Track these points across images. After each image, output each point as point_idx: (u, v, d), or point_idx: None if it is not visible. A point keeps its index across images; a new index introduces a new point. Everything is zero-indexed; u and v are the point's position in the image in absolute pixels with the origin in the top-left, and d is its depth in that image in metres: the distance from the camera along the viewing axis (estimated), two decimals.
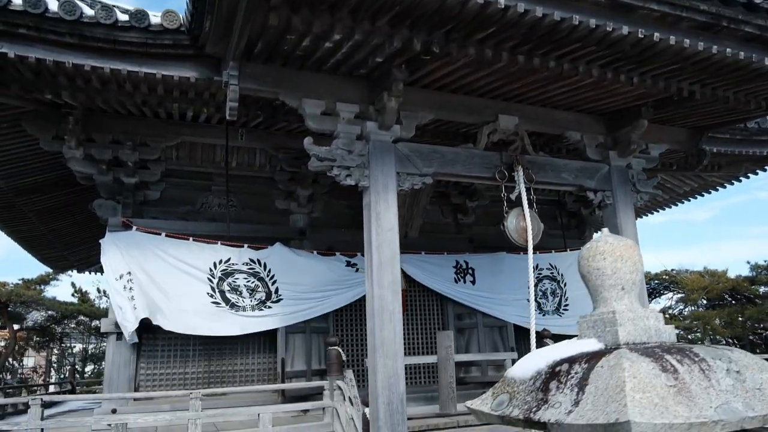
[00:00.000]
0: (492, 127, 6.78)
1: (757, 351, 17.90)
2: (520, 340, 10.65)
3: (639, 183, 7.40)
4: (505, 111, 6.84)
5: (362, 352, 9.89)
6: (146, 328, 8.35)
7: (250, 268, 8.97)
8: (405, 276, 9.54)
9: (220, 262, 8.80)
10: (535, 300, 11.14)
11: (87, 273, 17.61)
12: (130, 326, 8.08)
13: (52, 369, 30.18)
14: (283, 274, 9.11)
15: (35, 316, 23.50)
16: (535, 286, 11.31)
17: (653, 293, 25.95)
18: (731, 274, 19.81)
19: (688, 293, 21.44)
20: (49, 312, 23.01)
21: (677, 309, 23.93)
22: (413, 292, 10.37)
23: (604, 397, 1.46)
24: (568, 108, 7.21)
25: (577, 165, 7.18)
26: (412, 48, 5.16)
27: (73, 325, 26.45)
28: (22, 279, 21.23)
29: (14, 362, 26.38)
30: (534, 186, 6.84)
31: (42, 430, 6.17)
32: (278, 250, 9.24)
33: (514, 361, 8.77)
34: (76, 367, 24.39)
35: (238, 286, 8.85)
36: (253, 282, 8.94)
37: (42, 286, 21.88)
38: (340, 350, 7.58)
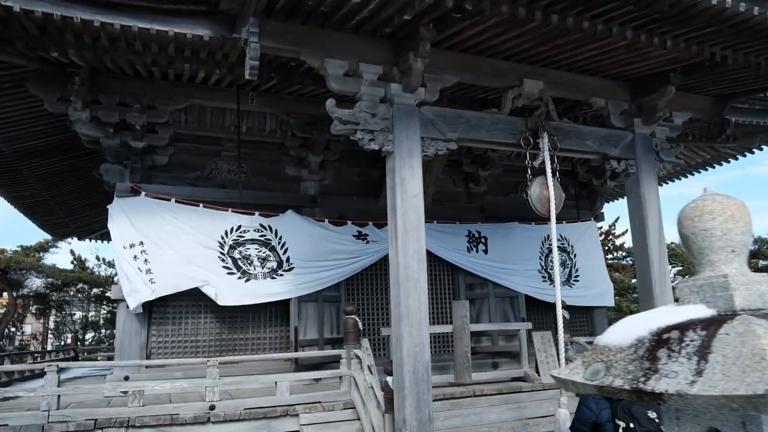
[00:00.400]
0: (516, 91, 6.56)
1: None
2: (531, 311, 10.65)
3: (662, 152, 7.24)
4: (530, 75, 6.61)
5: (375, 321, 9.88)
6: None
7: (261, 235, 8.84)
8: None
9: (231, 230, 8.66)
10: (546, 271, 11.20)
11: (87, 240, 17.39)
12: (141, 296, 7.96)
13: (51, 336, 30.29)
14: (294, 242, 8.98)
15: (34, 283, 23.43)
16: (546, 257, 11.27)
17: None
18: None
19: (688, 266, 21.54)
20: (49, 279, 22.93)
21: (675, 282, 24.09)
22: None
23: (737, 367, 1.34)
24: (594, 73, 6.98)
25: (602, 132, 7.00)
26: (444, 5, 4.91)
27: (72, 293, 26.41)
28: (21, 246, 21.06)
29: (14, 329, 26.41)
30: (557, 154, 6.66)
31: (59, 396, 6.12)
32: (290, 217, 9.09)
33: (528, 332, 8.82)
34: (78, 334, 24.43)
35: (249, 255, 8.72)
36: (264, 252, 8.81)
37: (41, 254, 21.73)
38: (357, 319, 7.51)
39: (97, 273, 26.25)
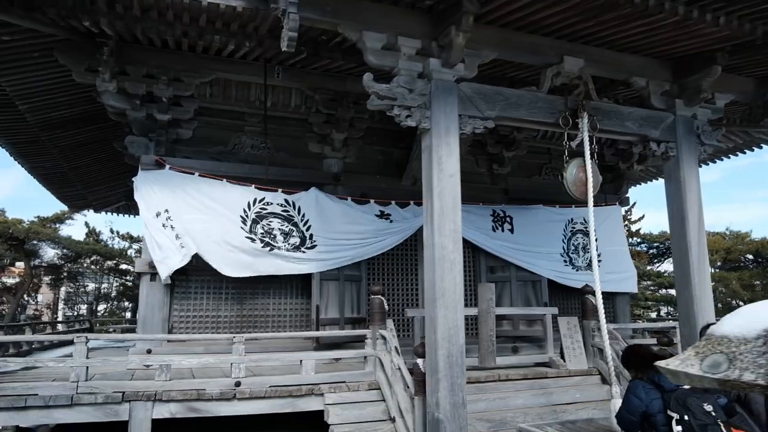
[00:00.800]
0: (556, 69, 6.31)
1: None
2: (553, 296, 10.53)
3: (704, 135, 6.99)
4: (571, 52, 6.35)
5: (397, 301, 9.82)
6: (178, 269, 8.17)
7: (284, 211, 8.74)
8: None
9: (255, 202, 8.57)
10: (567, 255, 11.05)
11: (103, 213, 17.42)
12: (173, 263, 7.92)
13: (64, 306, 30.70)
14: (317, 219, 8.89)
15: (47, 254, 23.66)
16: (569, 240, 11.11)
17: (661, 255, 25.88)
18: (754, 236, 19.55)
19: (710, 254, 21.27)
20: (64, 250, 23.12)
21: None
22: None
23: None
24: (636, 51, 6.70)
25: (642, 113, 6.75)
26: None
27: (86, 264, 26.65)
28: (38, 216, 21.17)
29: (27, 298, 26.75)
30: (596, 135, 6.45)
31: (87, 368, 6.11)
32: (313, 194, 8.98)
33: (554, 317, 8.70)
34: (92, 306, 24.68)
35: (272, 229, 8.63)
36: (287, 227, 8.73)
37: (57, 225, 21.87)
38: (383, 299, 7.42)
39: (110, 245, 26.46)
